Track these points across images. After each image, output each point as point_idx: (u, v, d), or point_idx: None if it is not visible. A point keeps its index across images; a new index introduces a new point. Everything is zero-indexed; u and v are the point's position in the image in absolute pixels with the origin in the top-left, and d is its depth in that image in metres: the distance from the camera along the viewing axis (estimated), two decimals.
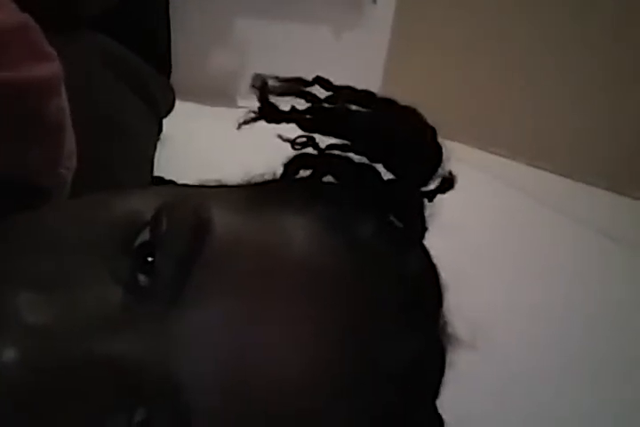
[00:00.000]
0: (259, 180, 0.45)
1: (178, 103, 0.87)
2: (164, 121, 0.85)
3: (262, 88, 0.45)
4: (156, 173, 0.73)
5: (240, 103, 1.10)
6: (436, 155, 0.44)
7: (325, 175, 0.45)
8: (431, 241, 0.44)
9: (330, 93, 0.45)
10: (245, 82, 0.51)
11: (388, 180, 0.44)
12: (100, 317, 0.33)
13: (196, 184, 0.43)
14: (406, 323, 0.38)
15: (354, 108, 0.45)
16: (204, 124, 0.92)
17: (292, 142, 0.46)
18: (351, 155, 0.45)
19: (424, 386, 0.40)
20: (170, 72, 0.86)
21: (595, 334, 0.88)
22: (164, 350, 0.32)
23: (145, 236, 0.35)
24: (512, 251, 0.97)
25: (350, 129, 0.45)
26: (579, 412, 0.78)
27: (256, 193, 0.42)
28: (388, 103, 0.45)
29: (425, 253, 0.43)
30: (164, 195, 0.38)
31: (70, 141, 0.46)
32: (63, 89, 0.45)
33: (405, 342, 0.38)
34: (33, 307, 0.32)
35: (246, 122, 0.46)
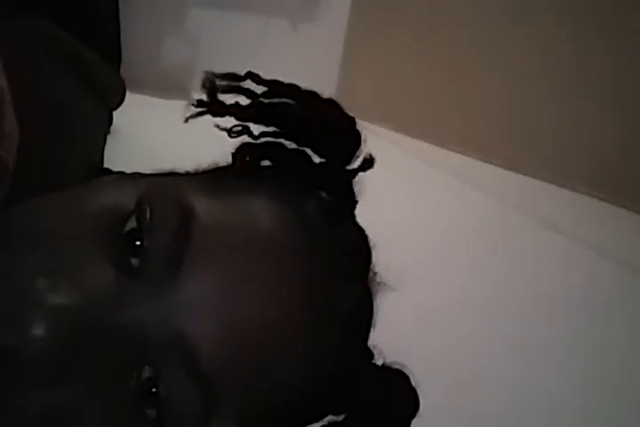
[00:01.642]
0: (212, 167, 0.52)
1: (129, 95, 0.85)
2: (115, 113, 0.83)
3: (211, 87, 0.52)
4: (106, 166, 0.72)
5: (194, 96, 1.08)
6: (356, 139, 0.53)
7: (263, 160, 0.53)
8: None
9: (265, 89, 0.52)
10: (199, 74, 0.54)
11: (318, 162, 0.52)
12: (106, 294, 0.39)
13: (152, 173, 0.49)
14: (345, 278, 0.48)
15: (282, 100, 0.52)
16: (155, 117, 0.90)
17: (229, 131, 0.53)
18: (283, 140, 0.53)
19: (359, 326, 0.50)
20: (120, 63, 0.84)
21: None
22: (166, 316, 0.39)
23: (132, 223, 0.40)
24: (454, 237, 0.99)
25: (281, 120, 0.52)
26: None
27: (215, 180, 0.49)
28: (312, 96, 0.53)
29: (355, 221, 0.52)
30: (141, 186, 0.44)
31: (10, 121, 0.46)
32: (0, 67, 0.44)
33: (345, 292, 0.48)
34: (51, 290, 0.37)
35: (193, 116, 0.53)
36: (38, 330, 0.37)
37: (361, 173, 0.54)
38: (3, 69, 0.44)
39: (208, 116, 0.54)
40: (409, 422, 0.50)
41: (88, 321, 0.38)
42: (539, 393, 0.81)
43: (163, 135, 0.88)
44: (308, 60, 1.24)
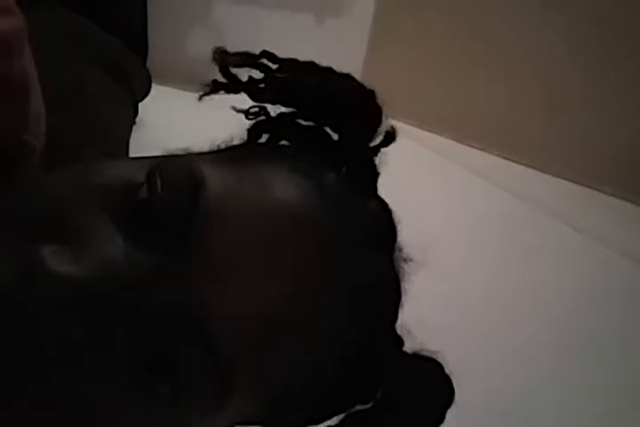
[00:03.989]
0: (227, 144, 0.50)
1: (154, 87, 0.86)
2: (140, 105, 0.83)
3: (223, 60, 0.50)
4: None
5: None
6: (377, 114, 0.49)
7: (281, 140, 0.51)
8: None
9: (277, 66, 0.50)
10: None
11: (338, 139, 0.49)
12: (115, 267, 0.36)
13: (170, 154, 0.46)
14: (369, 253, 0.45)
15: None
16: (180, 109, 0.91)
17: (246, 113, 0.51)
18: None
19: (387, 304, 0.46)
20: (146, 55, 0.84)
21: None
22: (178, 291, 0.37)
23: (143, 193, 0.39)
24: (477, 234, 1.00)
25: (298, 95, 0.50)
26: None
27: (229, 154, 0.47)
28: (329, 72, 0.50)
29: (378, 195, 0.49)
30: (153, 160, 0.42)
31: (37, 105, 0.45)
32: (28, 50, 0.43)
33: (370, 269, 0.44)
34: (57, 258, 0.35)
35: (207, 93, 0.50)
36: (39, 300, 0.34)
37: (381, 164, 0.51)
38: (30, 55, 0.44)
39: (229, 106, 0.52)
40: (444, 413, 0.46)
41: (94, 293, 0.36)
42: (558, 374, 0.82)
43: (188, 127, 0.88)
44: (333, 54, 1.24)
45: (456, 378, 0.46)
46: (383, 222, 0.47)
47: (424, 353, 0.47)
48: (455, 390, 0.46)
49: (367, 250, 0.45)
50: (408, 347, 0.47)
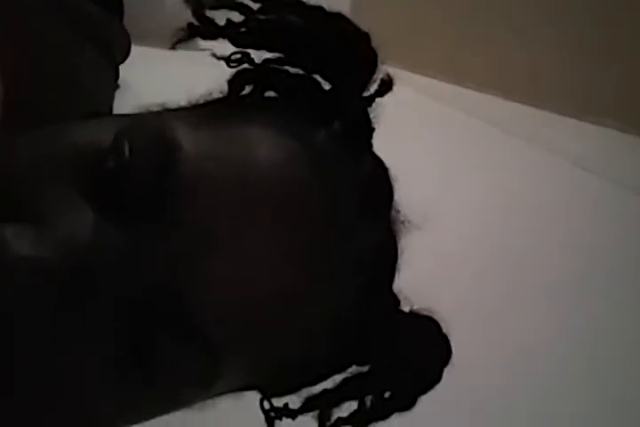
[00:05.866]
0: (206, 99, 0.46)
1: (134, 48, 0.84)
2: (121, 67, 0.81)
3: (197, 2, 0.45)
4: None
5: (201, 45, 1.06)
6: (371, 59, 0.45)
7: (267, 90, 0.47)
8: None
9: (260, 5, 0.45)
10: None
11: (329, 89, 0.45)
12: (85, 245, 0.34)
13: (145, 111, 0.43)
14: (364, 217, 0.43)
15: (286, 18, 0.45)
16: (163, 69, 0.89)
17: (227, 59, 0.46)
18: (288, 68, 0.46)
19: (384, 269, 0.45)
20: (122, 15, 0.82)
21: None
22: (152, 269, 0.34)
23: (110, 160, 0.36)
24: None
25: (284, 39, 0.45)
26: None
27: (208, 111, 0.44)
28: (319, 11, 0.46)
29: (372, 152, 0.46)
30: (122, 120, 0.39)
31: None
32: None
33: (364, 232, 0.42)
34: (20, 240, 0.33)
35: (181, 40, 0.46)
36: (3, 286, 0.32)
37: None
38: None
39: (217, 65, 0.47)
40: (441, 372, 0.46)
41: (63, 274, 0.33)
42: (558, 329, 0.82)
43: (169, 86, 0.87)
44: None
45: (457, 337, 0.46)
46: (378, 184, 0.44)
47: (422, 312, 0.46)
48: (452, 349, 0.46)
49: (362, 215, 0.42)
50: (408, 306, 0.46)
